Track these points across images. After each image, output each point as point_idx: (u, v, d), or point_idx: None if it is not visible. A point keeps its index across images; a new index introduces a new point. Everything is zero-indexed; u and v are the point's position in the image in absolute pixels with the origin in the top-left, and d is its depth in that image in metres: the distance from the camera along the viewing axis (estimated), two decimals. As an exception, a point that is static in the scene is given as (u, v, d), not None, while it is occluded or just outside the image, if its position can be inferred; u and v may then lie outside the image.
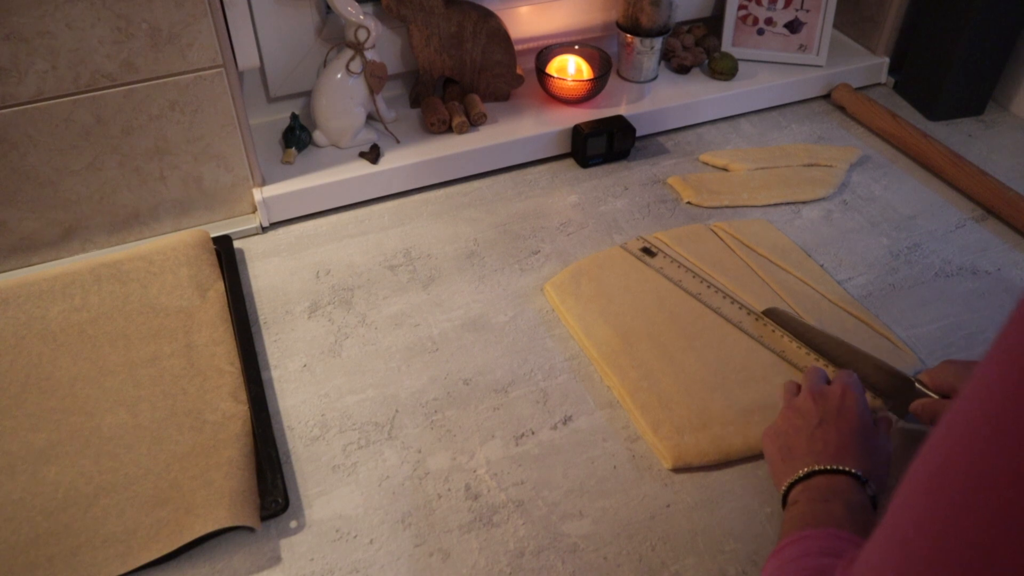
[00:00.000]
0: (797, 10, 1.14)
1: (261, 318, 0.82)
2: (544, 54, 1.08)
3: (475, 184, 1.01)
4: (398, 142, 1.00)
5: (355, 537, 0.64)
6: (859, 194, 1.00)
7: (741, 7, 1.15)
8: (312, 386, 0.75)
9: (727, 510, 0.66)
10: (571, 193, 1.00)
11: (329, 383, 0.76)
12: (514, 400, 0.74)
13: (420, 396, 0.75)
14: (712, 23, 1.22)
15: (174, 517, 0.62)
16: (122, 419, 0.70)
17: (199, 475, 0.65)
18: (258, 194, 0.91)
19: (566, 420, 0.73)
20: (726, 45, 1.17)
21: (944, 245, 0.92)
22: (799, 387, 0.69)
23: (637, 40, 1.09)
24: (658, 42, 1.09)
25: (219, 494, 0.63)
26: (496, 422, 0.72)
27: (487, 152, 1.00)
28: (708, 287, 0.84)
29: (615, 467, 0.69)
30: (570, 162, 1.05)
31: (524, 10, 1.10)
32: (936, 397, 0.68)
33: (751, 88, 1.12)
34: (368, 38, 0.93)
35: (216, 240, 0.88)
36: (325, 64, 0.96)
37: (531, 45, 1.13)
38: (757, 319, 0.81)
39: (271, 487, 0.65)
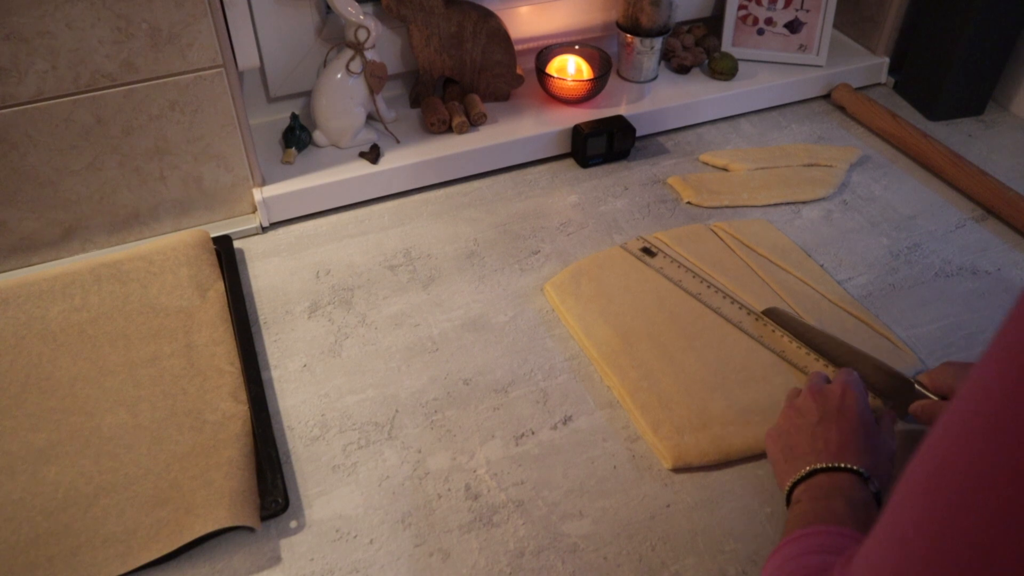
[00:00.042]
0: (797, 10, 1.14)
1: (261, 318, 0.82)
2: (544, 54, 1.08)
3: (475, 184, 1.01)
4: (398, 142, 1.00)
5: (355, 537, 0.64)
6: (859, 194, 1.00)
7: (741, 7, 1.15)
8: (312, 386, 0.75)
9: (727, 510, 0.66)
10: (571, 193, 1.00)
11: (329, 383, 0.76)
12: (514, 400, 0.74)
13: (420, 396, 0.75)
14: (712, 23, 1.22)
15: (174, 517, 0.62)
16: (122, 419, 0.70)
17: (199, 475, 0.65)
18: (258, 194, 0.91)
19: (566, 420, 0.73)
20: (726, 45, 1.17)
21: (944, 245, 0.92)
22: (800, 391, 0.69)
23: (637, 40, 1.09)
24: (658, 42, 1.09)
25: (219, 494, 0.63)
26: (496, 422, 0.72)
27: (487, 152, 1.00)
28: (708, 287, 0.84)
29: (615, 467, 0.69)
30: (570, 162, 1.05)
31: (524, 10, 1.10)
32: (935, 399, 0.68)
33: (751, 88, 1.12)
34: (368, 38, 0.93)
35: (216, 240, 0.88)
36: (325, 64, 0.96)
37: (531, 45, 1.13)
38: (757, 319, 0.81)
39: (271, 487, 0.65)
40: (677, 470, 0.69)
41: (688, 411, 0.71)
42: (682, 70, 1.15)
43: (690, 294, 0.83)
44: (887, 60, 1.19)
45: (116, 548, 0.61)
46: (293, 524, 0.65)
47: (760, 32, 1.16)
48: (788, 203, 0.98)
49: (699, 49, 1.17)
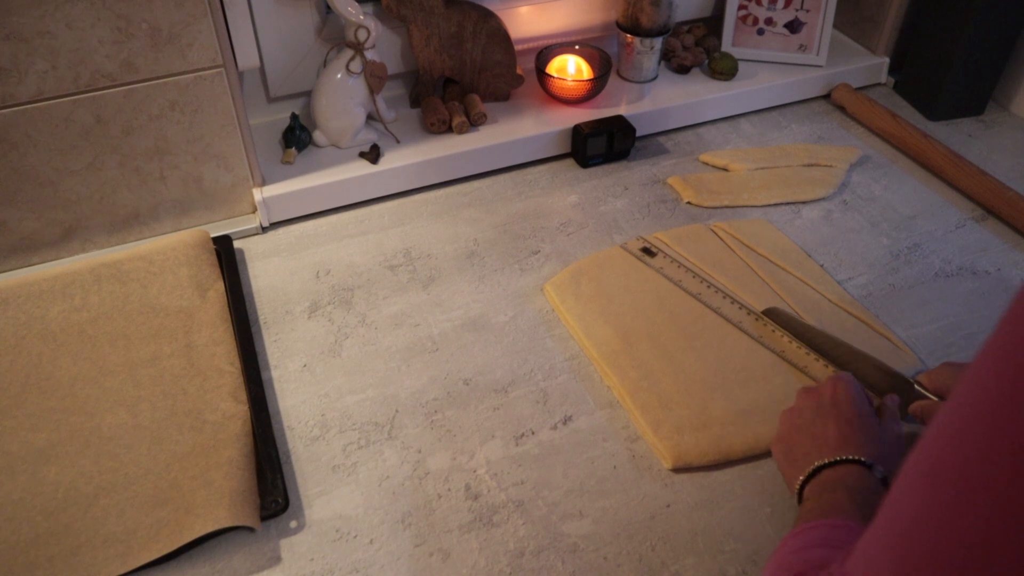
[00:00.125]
0: (797, 10, 1.14)
1: (261, 318, 0.82)
2: (544, 54, 1.08)
3: (475, 184, 1.01)
4: (398, 142, 1.00)
5: (355, 537, 0.64)
6: (859, 194, 1.00)
7: (741, 7, 1.15)
8: (312, 386, 0.75)
9: (727, 510, 0.66)
10: (571, 193, 1.00)
11: (329, 383, 0.76)
12: (514, 400, 0.74)
13: (420, 396, 0.75)
14: (712, 23, 1.22)
15: (174, 517, 0.62)
16: (122, 419, 0.70)
17: (199, 475, 0.65)
18: (258, 194, 0.91)
19: (566, 420, 0.73)
20: (726, 45, 1.17)
21: (944, 245, 0.92)
22: None
23: (637, 40, 1.09)
24: (658, 42, 1.09)
25: (219, 494, 0.63)
26: (496, 422, 0.72)
27: (487, 152, 1.00)
28: (708, 287, 0.84)
29: (615, 467, 0.69)
30: (570, 162, 1.05)
31: (524, 10, 1.10)
32: (935, 399, 0.68)
33: (751, 88, 1.12)
34: (368, 38, 0.93)
35: (216, 240, 0.88)
36: (325, 64, 0.96)
37: (531, 45, 1.13)
38: (757, 319, 0.81)
39: (271, 487, 0.65)
40: (677, 470, 0.69)
41: (688, 411, 0.71)
42: (682, 70, 1.15)
43: (690, 294, 0.83)
44: (887, 60, 1.19)
45: (116, 548, 0.61)
46: (293, 524, 0.65)
47: (760, 32, 1.16)
48: (788, 203, 0.98)
49: (699, 49, 1.17)
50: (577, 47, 1.10)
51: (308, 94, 1.00)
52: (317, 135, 0.98)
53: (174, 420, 0.70)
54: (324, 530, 0.64)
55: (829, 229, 0.94)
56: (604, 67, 1.07)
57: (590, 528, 0.64)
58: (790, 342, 0.78)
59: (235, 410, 0.71)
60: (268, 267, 0.88)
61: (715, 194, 0.98)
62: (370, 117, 1.02)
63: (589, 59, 1.09)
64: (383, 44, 1.02)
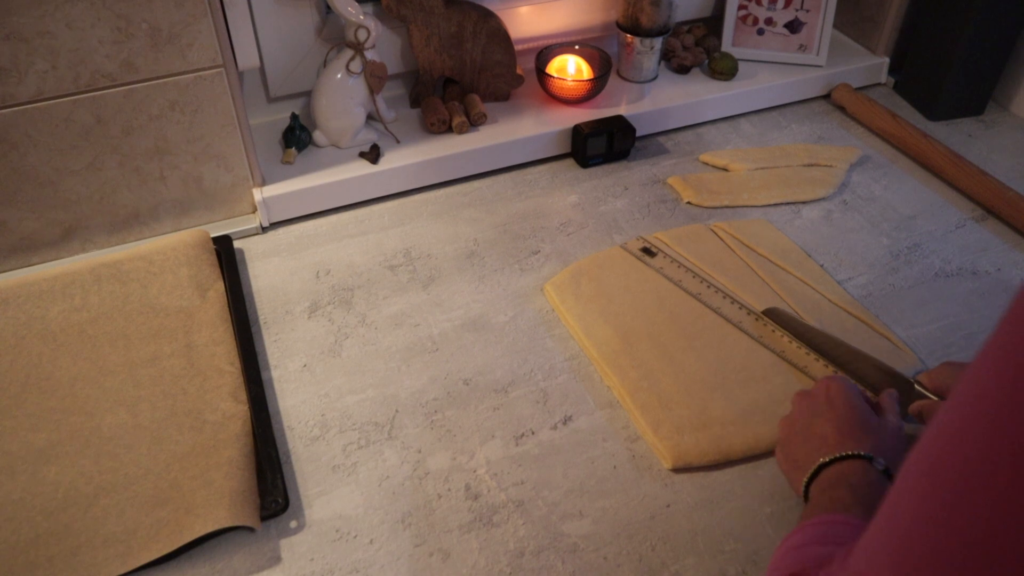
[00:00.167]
0: (797, 10, 1.14)
1: (261, 318, 0.82)
2: (544, 54, 1.08)
3: (475, 184, 1.01)
4: (398, 142, 1.00)
5: (355, 537, 0.64)
6: (859, 194, 1.00)
7: (741, 7, 1.15)
8: (312, 386, 0.75)
9: (727, 510, 0.66)
10: (571, 193, 1.00)
11: (329, 383, 0.76)
12: (514, 400, 0.74)
13: (420, 396, 0.75)
14: (712, 23, 1.22)
15: (174, 517, 0.62)
16: (122, 419, 0.70)
17: (199, 475, 0.65)
18: (258, 194, 0.91)
19: (566, 420, 0.73)
20: (726, 45, 1.17)
21: (944, 245, 0.92)
22: None
23: (637, 40, 1.09)
24: (658, 42, 1.09)
25: (219, 494, 0.63)
26: (496, 422, 0.72)
27: (487, 152, 1.00)
28: (708, 287, 0.84)
29: (615, 467, 0.69)
30: (570, 162, 1.05)
31: (524, 10, 1.10)
32: (935, 399, 0.68)
33: (751, 88, 1.12)
34: (368, 38, 0.93)
35: (216, 240, 0.88)
36: (325, 64, 0.96)
37: (531, 45, 1.13)
38: (757, 319, 0.81)
39: (271, 487, 0.65)
40: (677, 470, 0.69)
41: (688, 411, 0.71)
42: (682, 70, 1.15)
43: (690, 294, 0.83)
44: (887, 60, 1.19)
45: (116, 548, 0.61)
46: (293, 524, 0.65)
47: (760, 32, 1.16)
48: (788, 203, 0.98)
49: (699, 49, 1.17)
50: (577, 47, 1.10)
51: (308, 94, 1.00)
52: (317, 135, 0.98)
53: (174, 420, 0.70)
54: (324, 530, 0.64)
55: (829, 229, 0.94)
56: (604, 67, 1.07)
57: (590, 528, 0.64)
58: (790, 342, 0.78)
59: (235, 410, 0.71)
60: (268, 267, 0.88)
61: (715, 194, 0.98)
62: (370, 117, 1.02)
63: (589, 59, 1.09)
64: (383, 44, 1.02)
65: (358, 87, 0.96)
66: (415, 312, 0.83)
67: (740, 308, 0.82)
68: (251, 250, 0.90)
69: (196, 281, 0.82)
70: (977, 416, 0.30)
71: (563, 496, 0.67)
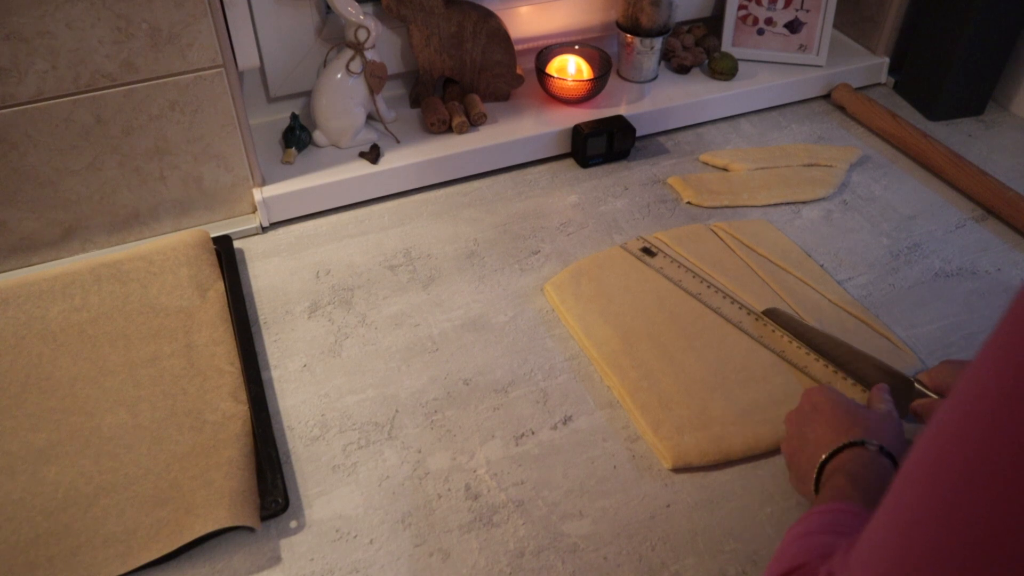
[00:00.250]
0: (797, 10, 1.14)
1: (261, 318, 0.82)
2: (544, 54, 1.08)
3: (475, 184, 1.01)
4: (398, 142, 1.00)
5: (355, 537, 0.64)
6: (859, 194, 1.00)
7: (741, 7, 1.15)
8: (312, 386, 0.75)
9: (727, 510, 0.66)
10: (571, 193, 1.00)
11: (329, 383, 0.76)
12: (514, 400, 0.74)
13: (420, 396, 0.75)
14: (712, 23, 1.22)
15: (174, 517, 0.62)
16: (122, 419, 0.70)
17: (199, 475, 0.65)
18: (258, 194, 0.91)
19: (566, 420, 0.73)
20: (726, 45, 1.17)
21: (944, 245, 0.92)
22: None
23: (637, 40, 1.09)
24: (658, 42, 1.09)
25: (219, 494, 0.63)
26: (496, 422, 0.72)
27: (487, 152, 1.00)
28: (708, 287, 0.84)
29: (615, 467, 0.69)
30: (570, 162, 1.05)
31: (524, 10, 1.10)
32: (935, 397, 0.68)
33: (751, 88, 1.12)
34: (368, 38, 0.93)
35: (216, 240, 0.88)
36: (325, 64, 0.96)
37: (531, 45, 1.13)
38: (757, 319, 0.81)
39: (271, 487, 0.65)
40: (677, 470, 0.69)
41: (688, 411, 0.71)
42: (682, 70, 1.15)
43: (690, 294, 0.83)
44: (887, 60, 1.19)
45: (116, 548, 0.61)
46: (293, 524, 0.65)
47: (760, 32, 1.16)
48: (788, 203, 0.98)
49: (699, 49, 1.17)
50: (577, 47, 1.10)
51: (308, 94, 1.00)
52: (317, 135, 0.98)
53: (174, 420, 0.70)
54: (324, 530, 0.64)
55: (829, 229, 0.94)
56: (604, 67, 1.07)
57: (590, 528, 0.64)
58: (790, 342, 0.78)
59: (235, 410, 0.71)
60: (268, 267, 0.88)
61: (715, 194, 0.98)
62: (370, 117, 1.02)
63: (589, 59, 1.09)
64: (383, 44, 1.02)
65: (358, 87, 0.96)
66: (415, 312, 0.83)
67: (740, 308, 0.82)
68: (251, 250, 0.90)
69: (196, 281, 0.82)
70: (977, 415, 0.30)
71: (563, 496, 0.67)
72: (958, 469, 0.31)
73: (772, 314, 0.80)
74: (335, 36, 0.99)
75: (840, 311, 0.82)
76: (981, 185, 0.97)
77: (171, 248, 0.84)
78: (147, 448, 0.68)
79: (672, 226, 0.94)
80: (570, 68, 1.09)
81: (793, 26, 1.15)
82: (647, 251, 0.88)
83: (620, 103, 1.08)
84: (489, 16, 1.01)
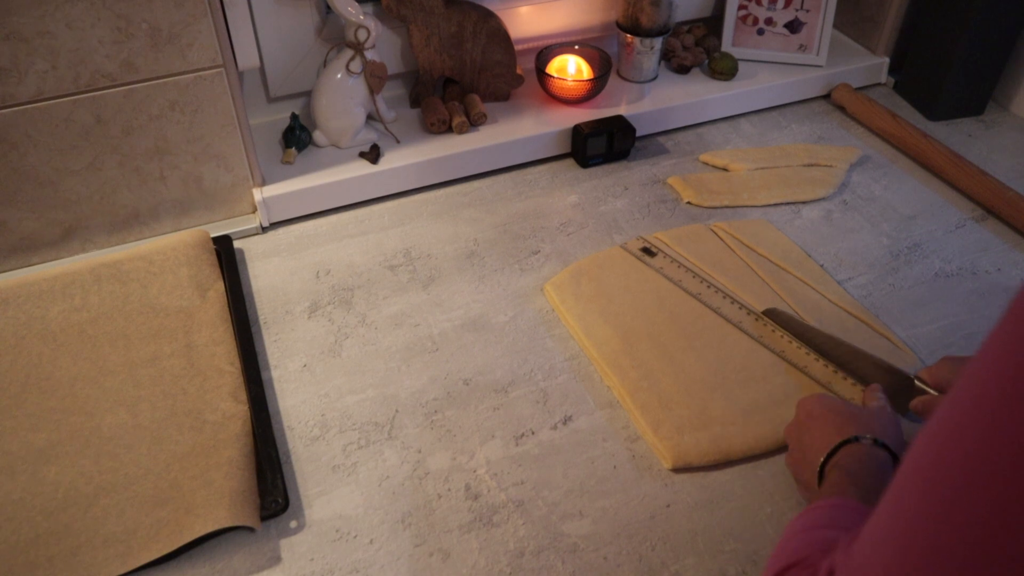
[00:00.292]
0: (797, 10, 1.14)
1: (261, 318, 0.82)
2: (544, 54, 1.08)
3: (475, 184, 1.01)
4: (398, 142, 1.00)
5: (355, 537, 0.64)
6: (859, 194, 1.00)
7: (741, 7, 1.15)
8: (312, 386, 0.75)
9: (727, 510, 0.66)
10: (571, 193, 1.00)
11: (329, 383, 0.76)
12: (514, 400, 0.74)
13: (420, 396, 0.75)
14: (712, 23, 1.22)
15: (174, 517, 0.62)
16: (122, 419, 0.70)
17: (199, 475, 0.65)
18: (258, 194, 0.91)
19: (566, 420, 0.73)
20: (726, 45, 1.17)
21: (944, 245, 0.92)
22: None
23: (637, 40, 1.09)
24: (658, 42, 1.09)
25: (219, 494, 0.63)
26: (496, 422, 0.72)
27: (487, 152, 1.00)
28: (708, 287, 0.84)
29: (615, 467, 0.69)
30: (570, 162, 1.05)
31: (524, 10, 1.10)
32: (936, 394, 0.68)
33: (751, 88, 1.12)
34: (368, 38, 0.93)
35: (216, 240, 0.88)
36: (325, 64, 0.96)
37: (531, 45, 1.13)
38: (757, 319, 0.81)
39: (271, 487, 0.65)
40: (677, 470, 0.69)
41: (688, 411, 0.71)
42: (682, 70, 1.15)
43: (690, 294, 0.83)
44: (887, 60, 1.19)
45: (116, 548, 0.61)
46: (293, 524, 0.65)
47: (760, 32, 1.16)
48: (788, 203, 0.98)
49: (699, 49, 1.17)
50: (577, 47, 1.10)
51: (308, 94, 1.00)
52: (317, 135, 0.98)
53: (174, 420, 0.70)
54: (324, 530, 0.64)
55: (829, 229, 0.94)
56: (604, 67, 1.07)
57: (590, 528, 0.64)
58: (790, 342, 0.78)
59: (235, 410, 0.71)
60: (268, 267, 0.88)
61: (715, 194, 0.98)
62: (370, 117, 1.02)
63: (589, 59, 1.09)
64: (383, 44, 1.02)
65: (358, 87, 0.96)
66: (415, 312, 0.83)
67: (740, 308, 0.82)
68: (251, 250, 0.90)
69: (196, 281, 0.82)
70: (977, 412, 0.31)
71: (563, 496, 0.67)
72: (959, 465, 0.31)
73: (772, 314, 0.80)
74: (335, 36, 0.99)
75: (840, 311, 0.82)
76: (981, 185, 0.97)
77: (171, 248, 0.84)
78: (147, 448, 0.68)
79: (672, 226, 0.94)
80: (570, 68, 1.09)
81: (793, 26, 1.15)
82: (647, 251, 0.88)
83: (620, 103, 1.08)
84: (489, 16, 1.01)
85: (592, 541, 0.64)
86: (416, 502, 0.66)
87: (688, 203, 0.98)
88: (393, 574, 0.61)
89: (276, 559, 0.62)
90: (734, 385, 0.74)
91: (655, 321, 0.80)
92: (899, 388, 0.71)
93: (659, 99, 1.10)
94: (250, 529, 0.63)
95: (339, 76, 0.95)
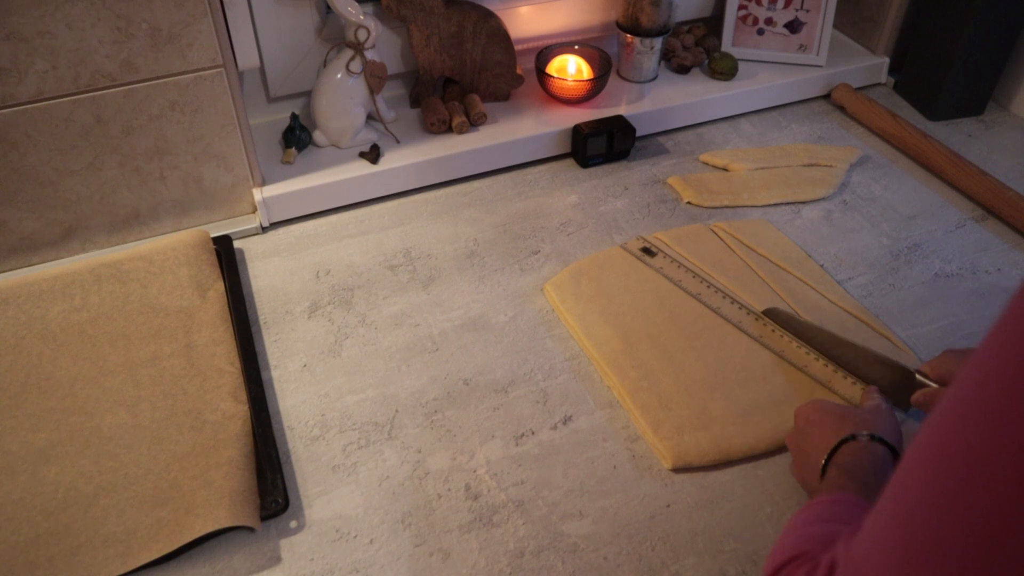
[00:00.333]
0: (797, 10, 1.14)
1: (261, 318, 0.82)
2: (544, 54, 1.08)
3: (475, 184, 1.01)
4: (398, 142, 1.00)
5: (355, 537, 0.64)
6: (859, 194, 1.00)
7: (741, 7, 1.15)
8: (312, 386, 0.75)
9: (727, 510, 0.66)
10: (571, 193, 1.00)
11: (329, 383, 0.76)
12: (514, 400, 0.74)
13: (420, 396, 0.75)
14: (712, 23, 1.22)
15: (174, 517, 0.62)
16: (122, 419, 0.70)
17: (199, 475, 0.65)
18: (258, 194, 0.91)
19: (566, 420, 0.73)
20: (726, 45, 1.17)
21: (944, 245, 0.92)
22: None
23: (637, 40, 1.09)
24: (658, 42, 1.09)
25: (219, 494, 0.63)
26: (496, 422, 0.72)
27: (487, 152, 1.00)
28: (708, 287, 0.84)
29: (615, 467, 0.69)
30: (570, 162, 1.05)
31: (524, 10, 1.10)
32: (938, 387, 0.68)
33: (751, 88, 1.12)
34: (368, 38, 0.93)
35: (216, 240, 0.88)
36: (325, 64, 0.96)
37: (531, 45, 1.13)
38: (757, 319, 0.81)
39: (271, 487, 0.65)
40: (677, 470, 0.69)
41: (688, 411, 0.71)
42: (682, 70, 1.15)
43: (690, 294, 0.83)
44: (887, 60, 1.19)
45: (116, 548, 0.61)
46: (293, 524, 0.65)
47: (760, 32, 1.16)
48: (788, 203, 0.98)
49: (699, 49, 1.17)
50: (577, 47, 1.10)
51: (308, 94, 1.00)
52: (317, 135, 0.98)
53: (174, 420, 0.70)
54: (324, 530, 0.64)
55: (829, 229, 0.94)
56: (604, 67, 1.07)
57: (590, 528, 0.64)
58: (790, 341, 0.78)
59: (235, 410, 0.71)
60: (268, 267, 0.88)
61: (715, 194, 0.98)
62: (370, 117, 1.02)
63: (589, 59, 1.09)
64: (383, 44, 1.02)
65: (358, 87, 0.96)
66: (415, 312, 0.83)
67: (740, 308, 0.82)
68: (251, 250, 0.90)
69: (196, 281, 0.82)
70: (979, 406, 0.31)
71: (563, 496, 0.67)
72: (960, 459, 0.31)
73: (772, 313, 0.80)
74: (335, 36, 0.99)
75: (840, 311, 0.82)
76: (981, 185, 0.97)
77: (171, 248, 0.84)
78: (147, 448, 0.68)
79: (672, 226, 0.94)
80: (570, 68, 1.09)
81: (793, 26, 1.15)
82: (647, 251, 0.88)
83: (620, 103, 1.08)
84: (489, 16, 1.01)
85: (592, 541, 0.64)
86: (416, 502, 0.66)
87: (688, 203, 0.98)
88: (393, 574, 0.61)
89: (276, 559, 0.62)
90: (734, 385, 0.74)
91: (655, 321, 0.80)
92: (901, 382, 0.71)
93: (659, 99, 1.10)
94: (250, 529, 0.63)
95: (339, 76, 0.95)
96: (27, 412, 0.70)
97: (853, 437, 0.60)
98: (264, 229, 0.93)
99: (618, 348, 0.77)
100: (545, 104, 1.07)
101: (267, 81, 1.00)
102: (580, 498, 0.66)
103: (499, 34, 1.02)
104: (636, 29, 1.09)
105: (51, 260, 0.87)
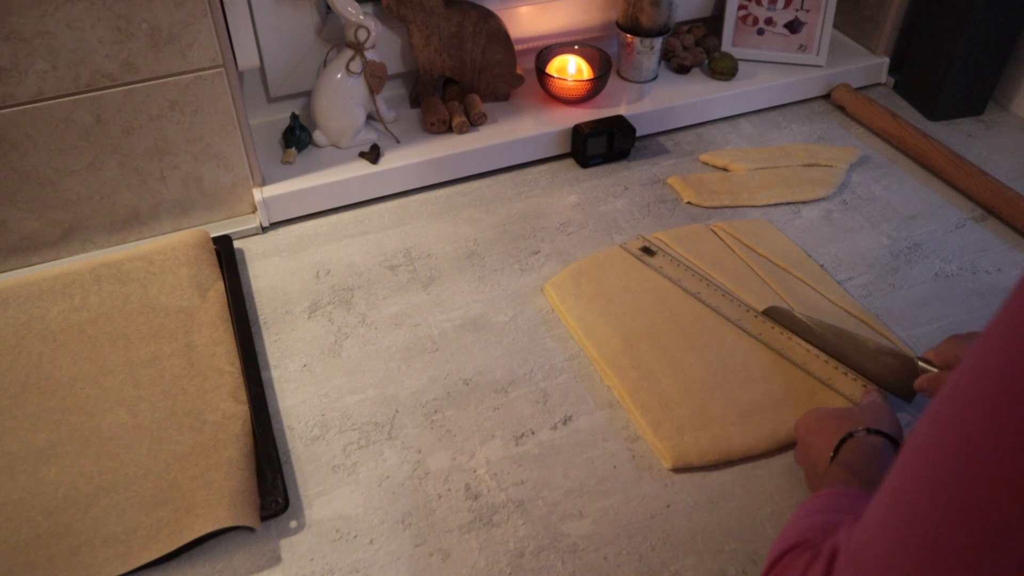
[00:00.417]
0: (797, 10, 1.14)
1: (261, 318, 0.82)
2: (544, 54, 1.08)
3: (475, 184, 1.01)
4: (398, 142, 1.00)
5: (355, 537, 0.64)
6: (859, 194, 1.00)
7: (741, 7, 1.15)
8: (312, 386, 0.75)
9: (727, 510, 0.66)
10: (571, 193, 1.00)
11: (329, 383, 0.76)
12: (514, 400, 0.74)
13: (420, 396, 0.75)
14: (712, 23, 1.22)
15: (174, 517, 0.62)
16: (122, 419, 0.70)
17: (199, 475, 0.65)
18: (258, 194, 0.91)
19: (566, 420, 0.73)
20: (726, 45, 1.17)
21: (944, 245, 0.92)
22: None
23: (637, 40, 1.09)
24: (658, 42, 1.09)
25: (219, 494, 0.63)
26: (496, 422, 0.72)
27: (487, 152, 1.00)
28: (708, 287, 0.84)
29: (615, 467, 0.69)
30: (570, 162, 1.05)
31: (524, 10, 1.10)
32: (941, 371, 0.68)
33: (751, 88, 1.12)
34: (368, 38, 0.93)
35: (216, 240, 0.88)
36: (325, 64, 0.96)
37: (531, 45, 1.13)
38: (756, 317, 0.80)
39: (271, 487, 0.65)
40: (677, 470, 0.69)
41: (688, 411, 0.71)
42: (682, 70, 1.15)
43: (690, 294, 0.83)
44: (887, 60, 1.19)
45: (116, 548, 0.61)
46: (293, 524, 0.65)
47: (760, 32, 1.16)
48: (788, 203, 0.98)
49: (699, 49, 1.17)
50: (577, 47, 1.10)
51: (308, 94, 1.00)
52: (317, 135, 0.98)
53: (174, 420, 0.70)
54: (324, 530, 0.64)
55: (829, 229, 0.94)
56: (604, 67, 1.07)
57: (590, 528, 0.64)
58: (789, 339, 0.78)
59: (235, 410, 0.71)
60: (268, 267, 0.88)
61: (715, 194, 0.98)
62: (370, 117, 1.02)
63: (589, 59, 1.09)
64: (383, 44, 1.02)
65: (358, 87, 0.96)
66: (415, 312, 0.83)
67: (740, 308, 0.82)
68: (251, 250, 0.90)
69: (196, 281, 0.82)
70: (980, 394, 0.31)
71: (563, 496, 0.67)
72: (961, 447, 0.31)
73: (772, 312, 0.80)
74: (335, 36, 0.99)
75: (840, 311, 0.82)
76: (981, 185, 0.97)
77: (171, 248, 0.84)
78: (147, 448, 0.68)
79: (672, 226, 0.94)
80: (570, 68, 1.09)
81: (793, 26, 1.15)
82: (647, 251, 0.88)
83: (620, 103, 1.08)
84: (489, 16, 1.01)
85: (592, 541, 0.64)
86: (416, 502, 0.66)
87: (688, 203, 0.98)
88: (393, 574, 0.61)
89: (276, 559, 0.62)
90: (734, 385, 0.74)
91: (655, 321, 0.80)
92: (903, 370, 0.71)
93: (659, 99, 1.10)
94: (250, 529, 0.63)
95: (339, 76, 0.95)
96: (27, 412, 0.70)
97: (851, 435, 0.60)
98: (264, 229, 0.93)
99: (618, 348, 0.77)
100: (545, 104, 1.07)
101: (267, 81, 1.00)
102: (580, 498, 0.66)
103: (499, 34, 1.02)
104: (636, 29, 1.09)
105: (51, 260, 0.87)
